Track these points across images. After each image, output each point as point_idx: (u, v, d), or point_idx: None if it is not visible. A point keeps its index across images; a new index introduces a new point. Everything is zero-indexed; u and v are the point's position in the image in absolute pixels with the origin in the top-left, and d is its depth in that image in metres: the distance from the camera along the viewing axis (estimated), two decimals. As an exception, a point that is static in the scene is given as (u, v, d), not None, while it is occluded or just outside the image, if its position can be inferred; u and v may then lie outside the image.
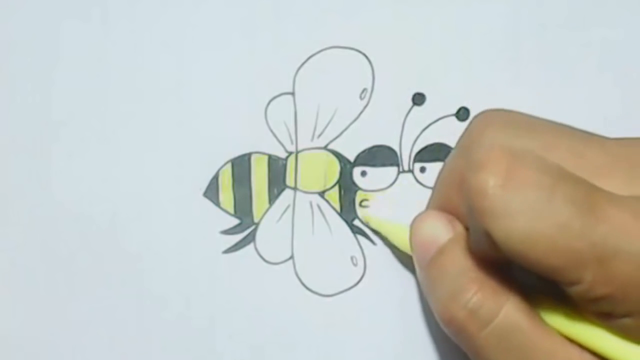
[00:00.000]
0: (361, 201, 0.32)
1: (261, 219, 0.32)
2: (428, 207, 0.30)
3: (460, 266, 0.27)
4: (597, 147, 0.26)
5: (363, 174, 0.32)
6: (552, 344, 0.26)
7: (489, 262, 0.26)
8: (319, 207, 0.32)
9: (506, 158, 0.24)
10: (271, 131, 0.32)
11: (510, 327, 0.26)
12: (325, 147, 0.32)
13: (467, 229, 0.28)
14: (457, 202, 0.28)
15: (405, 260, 0.32)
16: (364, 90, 0.32)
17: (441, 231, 0.28)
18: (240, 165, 0.32)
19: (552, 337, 0.26)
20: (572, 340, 0.26)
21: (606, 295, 0.24)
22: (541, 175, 0.24)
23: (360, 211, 0.32)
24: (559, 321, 0.26)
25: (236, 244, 0.32)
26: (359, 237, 0.32)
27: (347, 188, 0.32)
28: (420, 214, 0.29)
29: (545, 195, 0.24)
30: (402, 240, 0.30)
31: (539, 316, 0.26)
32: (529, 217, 0.24)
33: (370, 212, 0.32)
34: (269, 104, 0.32)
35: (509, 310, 0.26)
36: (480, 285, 0.26)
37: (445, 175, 0.29)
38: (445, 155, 0.32)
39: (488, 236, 0.24)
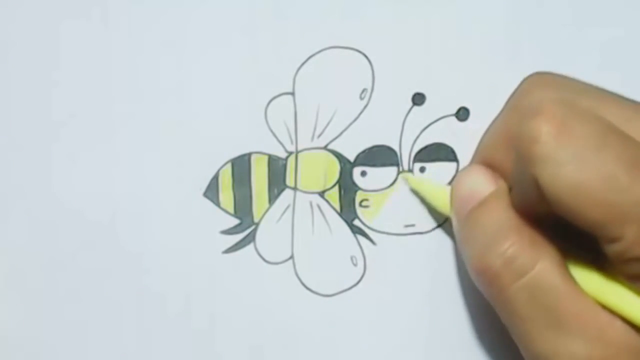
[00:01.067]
0: (361, 201, 0.32)
1: (261, 219, 0.32)
2: (472, 162, 0.31)
3: (500, 218, 0.27)
4: None
5: (363, 174, 0.32)
6: (582, 305, 0.26)
7: (529, 217, 0.27)
8: (319, 207, 0.32)
9: (561, 108, 0.25)
10: (271, 131, 0.32)
11: (543, 283, 0.26)
12: (325, 147, 0.32)
13: (509, 187, 0.28)
14: (501, 159, 0.29)
15: (405, 260, 0.32)
16: (364, 90, 0.32)
17: (483, 185, 0.28)
18: (240, 165, 0.32)
19: (583, 299, 0.26)
20: (603, 306, 0.26)
21: None
22: (593, 128, 0.25)
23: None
24: (591, 285, 0.26)
25: (236, 244, 0.32)
26: (359, 237, 0.32)
27: (347, 188, 0.32)
28: (464, 168, 0.30)
29: (595, 147, 0.24)
30: (440, 201, 0.31)
31: (572, 277, 0.26)
32: (578, 167, 0.24)
33: (409, 173, 0.32)
34: (269, 104, 0.32)
35: (544, 266, 0.26)
36: (518, 236, 0.27)
37: (492, 132, 0.30)
38: (445, 155, 0.32)
39: (535, 184, 0.25)
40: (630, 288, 0.25)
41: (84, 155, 0.31)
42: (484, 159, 0.30)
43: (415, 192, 0.32)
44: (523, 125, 0.25)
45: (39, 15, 0.31)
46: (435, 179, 0.32)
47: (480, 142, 0.30)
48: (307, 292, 0.32)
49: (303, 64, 0.31)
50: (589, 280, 0.26)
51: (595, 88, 0.28)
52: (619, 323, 0.26)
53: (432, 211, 0.32)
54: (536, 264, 0.26)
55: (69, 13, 0.31)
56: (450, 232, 0.32)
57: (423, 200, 0.32)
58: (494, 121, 0.30)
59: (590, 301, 0.26)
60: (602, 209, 0.24)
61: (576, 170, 0.24)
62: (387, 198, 0.32)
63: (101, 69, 0.31)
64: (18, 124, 0.31)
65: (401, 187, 0.32)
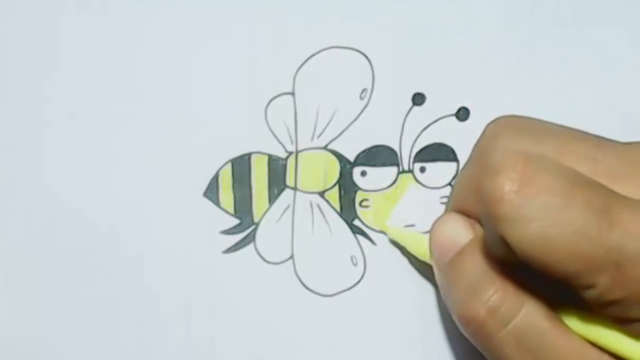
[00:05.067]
0: (361, 201, 0.32)
1: (261, 219, 0.32)
2: (446, 211, 0.30)
3: (480, 266, 0.27)
4: (610, 151, 0.26)
5: (363, 174, 0.32)
6: (571, 344, 0.26)
7: (508, 264, 0.26)
8: (319, 207, 0.32)
9: (521, 163, 0.24)
10: (271, 131, 0.32)
11: (529, 327, 0.26)
12: (325, 147, 0.32)
13: None
14: (474, 207, 0.28)
15: (405, 260, 0.32)
16: (364, 90, 0.32)
17: (461, 233, 0.28)
18: (240, 165, 0.32)
19: (570, 338, 0.26)
20: (590, 343, 0.26)
21: (620, 299, 0.24)
22: (557, 181, 0.24)
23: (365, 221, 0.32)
24: (577, 323, 0.26)
25: (236, 244, 0.32)
26: (359, 237, 0.32)
27: (347, 188, 0.32)
28: (440, 217, 0.30)
29: (560, 200, 0.24)
30: (421, 249, 0.30)
31: (558, 317, 0.26)
32: (545, 223, 0.24)
33: (388, 223, 0.32)
34: (269, 104, 0.32)
35: (529, 310, 0.26)
36: (500, 284, 0.26)
37: (461, 182, 0.30)
38: (445, 155, 0.32)
39: (503, 241, 0.24)
40: (614, 326, 0.25)
41: (84, 155, 0.31)
42: (458, 208, 0.29)
43: (394, 243, 0.32)
44: (485, 183, 0.24)
45: (38, 14, 0.31)
46: (435, 179, 0.32)
47: (451, 192, 0.30)
48: (307, 292, 0.32)
49: (303, 64, 0.31)
50: (574, 318, 0.26)
51: (558, 128, 0.28)
52: (606, 358, 0.26)
53: (413, 260, 0.32)
54: (521, 309, 0.26)
55: (69, 7, 0.31)
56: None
57: (404, 250, 0.32)
58: (462, 168, 0.30)
59: (577, 339, 0.26)
60: (573, 261, 0.24)
61: (543, 227, 0.24)
62: (388, 200, 0.32)
63: (101, 68, 0.31)
64: (18, 124, 0.31)
65: (401, 187, 0.32)
